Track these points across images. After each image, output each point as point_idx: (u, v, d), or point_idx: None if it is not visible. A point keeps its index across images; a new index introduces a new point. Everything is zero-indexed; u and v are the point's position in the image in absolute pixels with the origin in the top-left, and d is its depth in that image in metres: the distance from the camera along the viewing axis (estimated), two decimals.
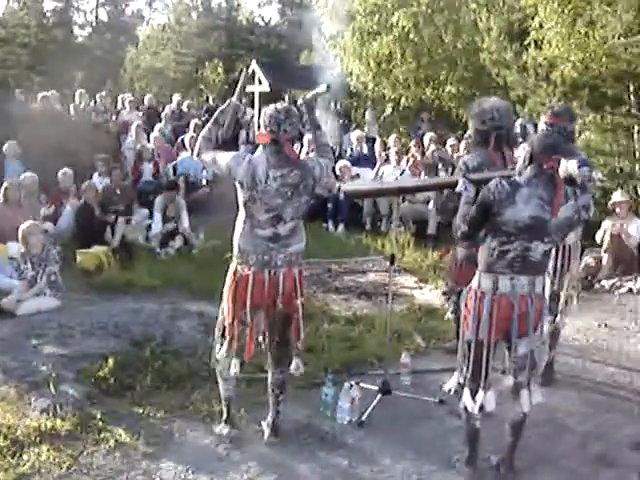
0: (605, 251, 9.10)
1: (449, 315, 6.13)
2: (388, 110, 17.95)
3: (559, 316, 5.76)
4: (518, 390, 4.29)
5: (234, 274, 4.61)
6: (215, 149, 4.73)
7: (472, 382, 4.30)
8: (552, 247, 4.29)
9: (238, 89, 5.12)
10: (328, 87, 5.02)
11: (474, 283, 4.28)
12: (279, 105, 4.53)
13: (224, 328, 4.69)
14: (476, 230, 4.24)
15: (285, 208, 4.47)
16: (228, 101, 4.90)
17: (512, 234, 4.08)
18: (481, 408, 4.28)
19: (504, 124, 5.31)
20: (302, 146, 12.48)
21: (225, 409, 4.92)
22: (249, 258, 4.53)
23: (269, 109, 4.49)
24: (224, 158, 4.56)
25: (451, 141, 13.26)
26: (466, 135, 5.52)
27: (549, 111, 5.54)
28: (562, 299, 5.74)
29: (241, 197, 4.52)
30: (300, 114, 4.85)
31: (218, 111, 4.96)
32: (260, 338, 4.74)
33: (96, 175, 11.37)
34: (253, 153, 4.59)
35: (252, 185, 4.43)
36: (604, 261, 9.06)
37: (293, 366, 4.77)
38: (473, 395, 4.30)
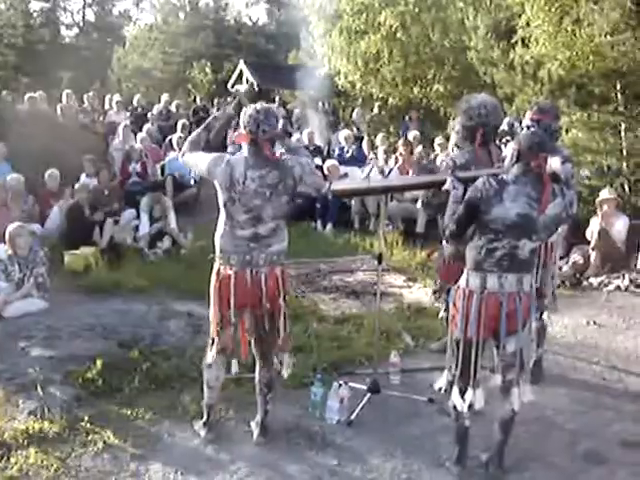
0: (593, 248, 9.12)
1: (442, 314, 6.11)
2: (375, 109, 17.93)
3: (545, 313, 5.77)
4: (507, 388, 4.30)
5: (217, 275, 4.61)
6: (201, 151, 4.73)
7: (461, 380, 4.31)
8: (539, 245, 4.30)
9: (236, 102, 5.11)
10: (252, 85, 5.03)
11: (462, 281, 4.28)
12: (259, 105, 4.53)
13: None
14: (464, 229, 4.25)
15: (264, 208, 4.47)
16: (222, 110, 4.88)
17: (500, 232, 4.08)
18: (470, 407, 4.29)
19: (491, 120, 5.30)
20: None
21: (206, 413, 4.90)
22: (231, 258, 4.54)
23: (249, 109, 4.51)
24: (205, 159, 4.58)
25: (439, 140, 13.28)
26: (455, 129, 5.49)
27: (535, 107, 5.55)
28: (549, 296, 5.75)
29: (221, 198, 4.52)
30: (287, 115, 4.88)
31: (212, 117, 4.99)
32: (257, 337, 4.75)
33: (83, 176, 11.32)
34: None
35: (230, 186, 4.44)
36: (592, 258, 9.08)
37: (284, 365, 4.78)
38: (462, 394, 4.31)
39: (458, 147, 5.33)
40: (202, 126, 4.94)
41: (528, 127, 5.31)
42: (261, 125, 4.42)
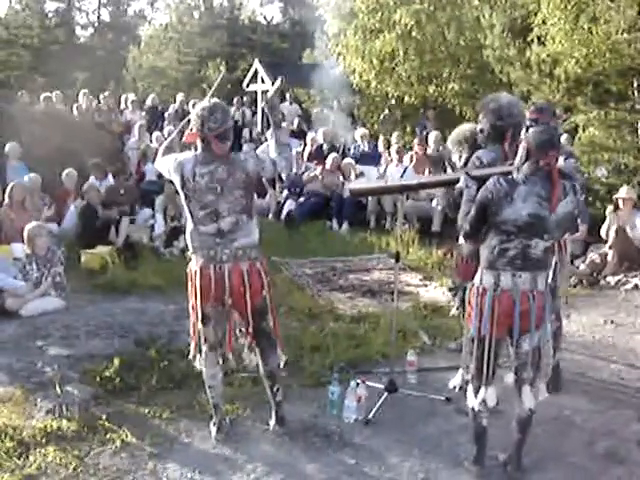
0: (610, 247, 9.07)
1: (454, 311, 6.10)
2: (387, 110, 17.91)
3: (560, 313, 5.74)
4: (520, 387, 4.28)
5: (189, 271, 4.68)
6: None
7: (476, 379, 4.30)
8: (553, 243, 4.28)
9: (210, 92, 5.14)
10: (282, 80, 5.04)
11: (476, 279, 4.27)
12: (205, 103, 4.60)
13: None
14: (477, 229, 4.23)
15: (219, 204, 4.51)
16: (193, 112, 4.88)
17: (511, 232, 4.06)
18: (485, 404, 4.27)
19: (521, 120, 5.29)
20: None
21: (213, 413, 4.89)
22: (197, 254, 4.61)
23: (196, 108, 4.60)
24: (167, 162, 4.69)
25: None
26: (479, 129, 5.44)
27: (532, 107, 5.54)
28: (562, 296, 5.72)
29: (180, 196, 4.63)
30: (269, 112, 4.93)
31: (184, 122, 5.09)
32: (238, 332, 4.77)
33: (92, 178, 11.31)
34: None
35: (182, 184, 4.54)
36: (609, 257, 9.03)
37: (270, 361, 4.77)
38: (476, 392, 4.30)
39: (484, 146, 5.29)
40: (175, 131, 5.05)
41: (527, 127, 5.28)
42: (206, 122, 4.47)
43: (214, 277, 4.55)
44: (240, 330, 4.74)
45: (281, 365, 4.85)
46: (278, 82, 5.10)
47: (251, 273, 4.61)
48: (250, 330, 4.67)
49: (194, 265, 4.63)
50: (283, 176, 11.27)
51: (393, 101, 17.95)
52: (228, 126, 4.60)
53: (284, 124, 13.75)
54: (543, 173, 4.05)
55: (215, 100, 4.67)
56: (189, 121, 4.81)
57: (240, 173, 4.55)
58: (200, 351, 4.72)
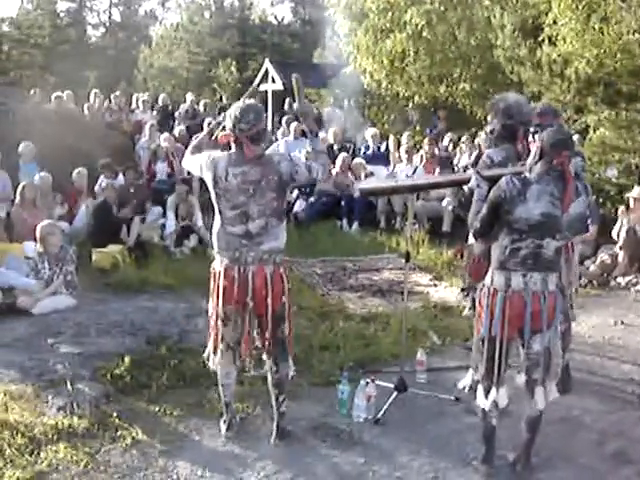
0: (621, 248, 9.05)
1: (467, 312, 6.10)
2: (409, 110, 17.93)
3: (570, 313, 5.72)
4: (532, 387, 4.28)
5: (212, 271, 4.67)
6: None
7: (486, 379, 4.30)
8: (564, 244, 4.28)
9: (246, 95, 5.14)
10: (297, 80, 5.00)
11: (487, 280, 4.27)
12: (240, 103, 4.58)
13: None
14: (488, 228, 4.24)
15: (250, 205, 4.48)
16: (224, 114, 4.88)
17: (523, 232, 4.06)
18: (495, 405, 4.28)
19: (530, 119, 5.29)
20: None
21: (224, 411, 4.91)
22: (222, 255, 4.58)
23: (230, 108, 4.57)
24: (198, 159, 4.68)
25: (465, 138, 13.25)
26: (487, 130, 5.42)
27: (533, 112, 5.52)
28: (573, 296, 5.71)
29: (211, 195, 4.60)
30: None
31: (214, 123, 5.08)
32: (255, 335, 4.72)
33: (102, 177, 11.34)
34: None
35: (214, 182, 4.51)
36: (620, 258, 9.02)
37: (281, 368, 4.73)
38: (487, 392, 4.30)
39: (496, 146, 5.28)
40: (204, 132, 5.06)
41: (533, 133, 5.27)
42: (237, 123, 4.45)
43: (238, 278, 4.52)
44: (257, 334, 4.68)
45: (290, 375, 4.81)
46: (295, 83, 5.02)
47: (274, 277, 4.57)
48: (267, 336, 4.63)
49: (218, 265, 4.60)
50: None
51: (410, 103, 17.90)
52: (260, 128, 4.55)
53: (295, 124, 13.75)
54: (556, 173, 4.06)
55: (249, 101, 4.63)
56: (219, 122, 4.81)
57: (273, 175, 4.49)
58: (216, 351, 4.70)
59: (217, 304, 4.60)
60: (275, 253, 4.58)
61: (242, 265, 4.52)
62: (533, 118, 5.41)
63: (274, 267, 4.58)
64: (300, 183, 4.71)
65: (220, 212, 4.56)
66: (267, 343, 4.65)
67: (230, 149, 4.60)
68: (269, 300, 4.55)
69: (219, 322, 4.62)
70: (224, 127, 4.68)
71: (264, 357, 4.75)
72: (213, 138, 4.92)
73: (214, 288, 4.63)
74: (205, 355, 4.83)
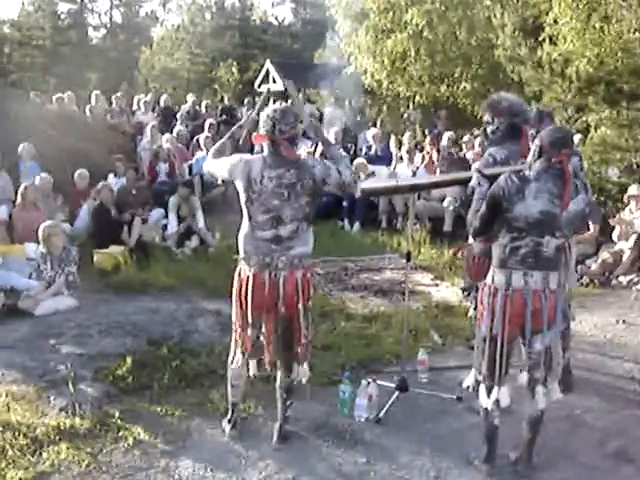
0: (630, 249, 8.99)
1: (471, 312, 6.09)
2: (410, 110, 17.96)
3: (568, 313, 5.71)
4: (534, 386, 4.28)
5: (238, 275, 4.62)
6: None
7: (488, 378, 4.30)
8: (564, 242, 4.27)
9: (259, 106, 5.14)
10: (288, 84, 5.03)
11: (488, 279, 4.27)
12: (277, 105, 4.56)
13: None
14: (488, 226, 4.24)
15: (283, 209, 4.44)
16: (247, 116, 4.87)
17: (523, 230, 4.07)
18: (497, 404, 4.28)
19: (530, 116, 5.31)
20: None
21: (230, 411, 4.91)
22: (251, 259, 4.52)
23: (267, 109, 4.52)
24: (226, 162, 4.62)
25: (466, 138, 13.25)
26: (489, 130, 5.39)
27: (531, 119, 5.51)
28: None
29: (242, 198, 4.53)
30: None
31: (236, 126, 5.04)
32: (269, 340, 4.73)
33: (111, 176, 11.40)
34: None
35: (247, 186, 4.45)
36: (624, 257, 8.98)
37: (300, 372, 4.75)
38: (489, 391, 4.30)
39: (498, 144, 5.27)
40: (227, 135, 5.02)
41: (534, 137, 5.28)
42: (277, 124, 4.42)
43: (268, 284, 4.49)
44: (280, 339, 4.67)
45: (304, 381, 4.82)
46: (290, 90, 5.04)
47: (303, 282, 4.57)
48: (301, 340, 4.64)
49: (246, 270, 4.55)
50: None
51: (411, 104, 17.93)
52: (298, 131, 4.55)
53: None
54: (555, 171, 4.05)
55: (287, 104, 4.63)
56: (240, 126, 4.80)
57: (308, 179, 4.46)
58: (243, 355, 4.68)
59: (246, 309, 4.56)
60: (305, 257, 4.57)
61: (273, 270, 4.48)
62: (533, 124, 5.42)
63: (303, 271, 4.57)
64: (331, 187, 4.66)
65: (250, 216, 4.50)
66: (299, 348, 4.66)
67: (261, 151, 4.57)
68: (300, 305, 4.56)
69: (248, 328, 4.60)
70: (241, 127, 4.69)
71: (299, 365, 4.74)
72: (246, 139, 4.89)
73: (242, 293, 4.57)
74: (229, 360, 4.77)
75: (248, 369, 4.74)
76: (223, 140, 4.98)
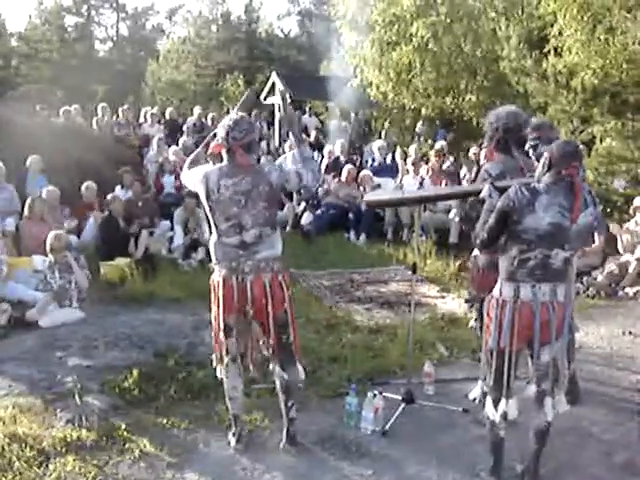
0: (638, 259, 8.99)
1: (472, 323, 6.09)
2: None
3: (572, 325, 5.71)
4: (541, 398, 4.27)
5: (212, 282, 4.71)
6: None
7: (495, 391, 4.30)
8: (573, 254, 4.27)
9: (237, 107, 5.19)
10: (287, 94, 5.08)
11: (496, 291, 4.27)
12: (232, 115, 4.67)
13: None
14: (495, 238, 4.24)
15: (243, 216, 4.53)
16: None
17: (532, 242, 4.07)
18: (504, 417, 4.27)
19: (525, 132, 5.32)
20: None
21: (233, 423, 4.91)
22: (220, 266, 4.63)
23: (222, 121, 4.66)
24: (193, 174, 4.76)
25: (473, 150, 13.27)
26: (493, 143, 5.41)
27: (529, 128, 5.51)
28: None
29: (205, 208, 4.66)
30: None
31: (210, 135, 5.11)
32: (261, 344, 4.76)
33: (118, 188, 11.43)
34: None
35: (206, 195, 4.57)
36: (630, 269, 8.98)
37: (292, 373, 4.76)
38: (495, 404, 4.29)
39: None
40: (202, 145, 5.12)
41: (534, 146, 5.28)
42: (231, 132, 4.52)
43: (236, 288, 4.56)
44: (262, 342, 4.73)
45: (300, 379, 4.83)
46: (278, 98, 5.15)
47: (273, 285, 4.61)
48: (271, 342, 4.67)
49: (217, 276, 4.65)
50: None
51: (421, 120, 17.96)
52: (253, 138, 4.64)
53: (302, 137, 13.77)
54: (565, 183, 4.06)
55: (242, 114, 4.72)
56: (214, 134, 4.86)
57: (264, 185, 4.55)
58: (222, 362, 4.73)
59: (218, 314, 4.64)
60: (272, 260, 4.62)
61: (240, 274, 4.56)
62: (532, 132, 5.43)
63: (272, 275, 4.62)
64: (291, 190, 4.76)
65: (215, 224, 4.61)
66: (272, 349, 4.68)
67: (222, 162, 4.66)
68: (269, 308, 4.59)
69: (221, 333, 4.66)
70: (214, 136, 4.75)
71: (271, 366, 4.77)
72: (205, 148, 5.00)
73: (214, 299, 4.67)
74: (213, 366, 4.83)
75: (241, 375, 4.77)
76: (198, 150, 5.14)
